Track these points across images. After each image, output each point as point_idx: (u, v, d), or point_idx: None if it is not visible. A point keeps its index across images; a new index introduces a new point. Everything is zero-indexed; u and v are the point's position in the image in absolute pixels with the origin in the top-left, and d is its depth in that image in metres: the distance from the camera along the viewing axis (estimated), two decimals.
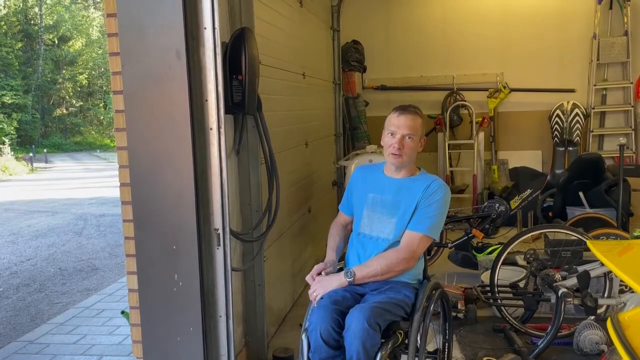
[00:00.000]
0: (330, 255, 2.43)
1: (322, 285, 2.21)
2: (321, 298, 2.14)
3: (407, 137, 2.29)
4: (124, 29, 2.10)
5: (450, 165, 6.11)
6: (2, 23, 28.30)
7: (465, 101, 6.03)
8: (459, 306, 3.21)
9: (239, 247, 2.82)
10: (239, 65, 2.48)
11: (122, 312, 3.28)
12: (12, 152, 20.54)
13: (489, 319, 3.33)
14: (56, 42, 31.81)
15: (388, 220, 2.30)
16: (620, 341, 1.54)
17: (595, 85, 5.81)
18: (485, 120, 5.89)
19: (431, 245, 2.62)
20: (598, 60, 5.75)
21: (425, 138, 2.40)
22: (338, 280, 2.21)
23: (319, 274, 2.30)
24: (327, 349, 1.98)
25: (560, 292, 2.76)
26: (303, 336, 2.08)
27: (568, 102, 5.76)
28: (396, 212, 2.30)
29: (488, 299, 3.26)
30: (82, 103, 33.98)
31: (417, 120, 2.33)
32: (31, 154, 21.65)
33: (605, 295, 3.05)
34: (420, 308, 2.11)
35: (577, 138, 5.72)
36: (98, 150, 29.56)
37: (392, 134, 2.31)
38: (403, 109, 2.35)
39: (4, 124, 24.83)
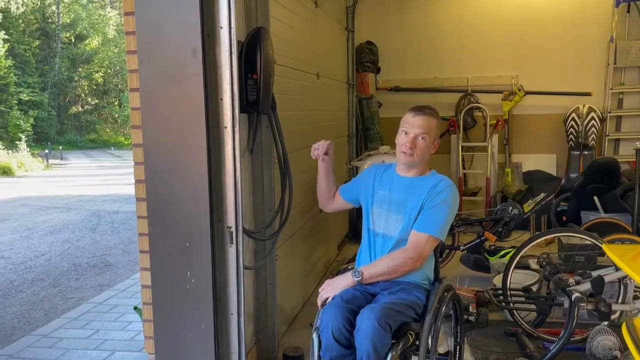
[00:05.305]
0: None
1: (331, 287, 2.22)
2: (332, 299, 2.15)
3: (419, 137, 2.29)
4: (142, 27, 2.12)
5: (464, 168, 6.08)
6: (20, 21, 28.69)
7: (479, 103, 5.99)
8: (471, 309, 3.19)
9: (251, 246, 2.83)
10: (254, 64, 2.49)
11: (135, 308, 3.31)
12: (28, 149, 20.79)
13: (500, 322, 3.31)
14: (73, 40, 32.17)
15: (396, 217, 2.32)
16: (635, 346, 1.52)
17: (611, 89, 5.75)
18: (500, 122, 5.85)
19: (443, 248, 2.61)
20: (615, 63, 5.69)
21: (439, 140, 2.40)
22: (346, 281, 2.22)
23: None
24: (338, 347, 1.98)
25: (573, 296, 2.73)
26: (314, 335, 2.08)
27: (584, 106, 5.70)
28: (403, 210, 2.31)
29: (500, 302, 3.24)
30: (97, 101, 34.34)
31: (431, 121, 2.32)
32: (47, 151, 21.90)
33: (620, 300, 3.02)
34: (432, 310, 2.10)
35: (593, 142, 5.67)
36: (112, 148, 29.83)
37: (405, 133, 2.32)
38: (419, 109, 2.35)
39: (21, 121, 25.18)
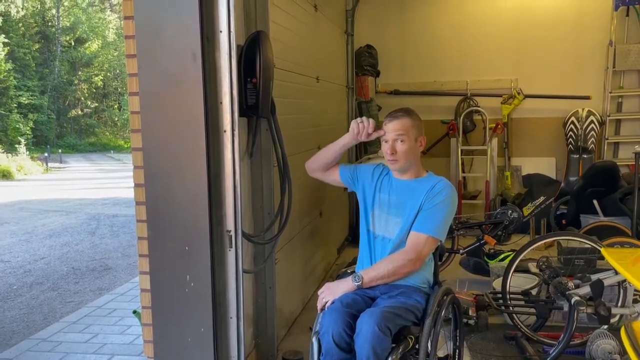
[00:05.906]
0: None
1: (331, 291, 2.22)
2: (332, 303, 2.15)
3: (398, 141, 2.30)
4: (141, 31, 2.13)
5: (463, 171, 6.09)
6: (20, 24, 28.72)
7: (478, 107, 6.00)
8: (470, 313, 3.19)
9: (251, 250, 2.83)
10: (253, 68, 2.49)
11: (134, 312, 3.31)
12: (28, 152, 20.81)
13: (500, 326, 3.31)
14: (72, 43, 32.22)
15: (394, 220, 2.33)
16: (634, 350, 1.52)
17: (611, 93, 5.75)
18: (499, 126, 5.85)
19: (442, 251, 2.61)
20: (614, 67, 5.70)
21: (424, 137, 2.38)
22: (346, 285, 2.22)
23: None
24: (338, 351, 1.98)
25: (573, 300, 2.73)
26: (314, 339, 2.08)
27: (583, 109, 5.71)
28: (401, 213, 2.31)
29: (500, 306, 3.24)
30: (97, 104, 34.38)
31: (405, 121, 2.31)
32: (46, 154, 21.91)
33: (619, 304, 3.01)
34: (431, 313, 2.10)
35: (592, 145, 5.67)
36: (112, 151, 29.84)
37: (385, 142, 2.34)
38: (391, 114, 2.36)
39: (20, 124, 25.19)
